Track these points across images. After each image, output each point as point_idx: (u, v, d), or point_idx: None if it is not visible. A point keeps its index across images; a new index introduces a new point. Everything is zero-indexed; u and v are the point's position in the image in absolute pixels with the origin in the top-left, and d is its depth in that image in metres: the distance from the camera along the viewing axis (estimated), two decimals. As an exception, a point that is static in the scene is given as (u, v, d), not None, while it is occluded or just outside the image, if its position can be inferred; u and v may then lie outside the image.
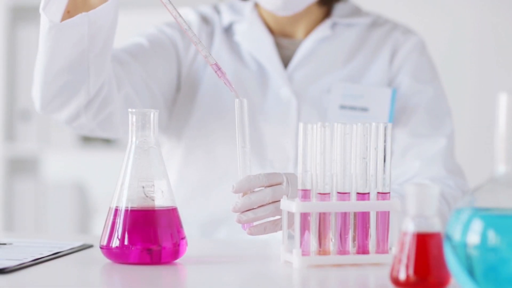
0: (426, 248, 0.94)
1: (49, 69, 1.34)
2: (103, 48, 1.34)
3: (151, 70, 1.53)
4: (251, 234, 1.17)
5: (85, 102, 1.40)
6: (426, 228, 0.95)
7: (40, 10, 1.29)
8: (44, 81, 1.35)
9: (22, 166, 2.82)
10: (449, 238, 0.89)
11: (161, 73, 1.55)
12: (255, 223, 1.17)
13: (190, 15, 1.62)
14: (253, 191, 1.16)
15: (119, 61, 1.48)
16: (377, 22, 1.61)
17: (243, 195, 1.16)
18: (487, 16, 2.63)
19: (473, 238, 0.87)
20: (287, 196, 1.15)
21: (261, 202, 1.16)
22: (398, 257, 0.95)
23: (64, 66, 1.34)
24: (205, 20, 1.62)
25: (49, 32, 1.30)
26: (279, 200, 1.16)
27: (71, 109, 1.41)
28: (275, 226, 1.18)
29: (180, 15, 1.21)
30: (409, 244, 0.95)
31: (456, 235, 0.88)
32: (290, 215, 1.14)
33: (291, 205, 1.11)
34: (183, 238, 1.14)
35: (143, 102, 1.50)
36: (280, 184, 1.17)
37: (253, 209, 1.16)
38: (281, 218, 1.17)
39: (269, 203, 1.16)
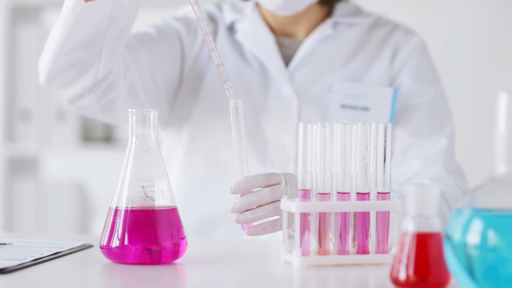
0: (426, 248, 0.94)
1: (63, 44, 1.34)
2: (120, 33, 1.35)
3: (157, 61, 1.54)
4: (250, 234, 1.16)
5: (91, 84, 1.40)
6: (426, 228, 0.95)
7: None
8: (55, 55, 1.36)
9: (22, 166, 2.82)
10: (449, 238, 0.89)
11: (165, 65, 1.55)
12: (254, 224, 1.17)
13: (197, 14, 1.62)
14: (252, 192, 1.16)
15: (128, 46, 1.48)
16: (378, 22, 1.62)
17: (241, 196, 1.16)
18: (485, 16, 2.62)
19: (473, 238, 0.87)
20: (285, 196, 1.15)
21: (259, 202, 1.16)
22: (398, 257, 0.95)
23: (79, 44, 1.35)
24: (210, 18, 1.62)
25: (72, 9, 1.30)
26: (278, 200, 1.16)
27: (75, 89, 1.41)
28: (274, 226, 1.18)
29: (204, 17, 1.21)
30: (409, 244, 0.95)
31: (456, 235, 0.88)
32: (290, 215, 1.14)
33: (291, 205, 1.11)
34: (183, 238, 1.14)
35: (146, 92, 1.51)
36: (278, 184, 1.17)
37: (251, 209, 1.16)
38: (280, 218, 1.17)
39: (268, 203, 1.16)
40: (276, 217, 1.17)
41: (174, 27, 1.59)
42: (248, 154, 1.19)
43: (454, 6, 2.64)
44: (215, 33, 1.61)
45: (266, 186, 1.17)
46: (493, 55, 2.63)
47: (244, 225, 1.17)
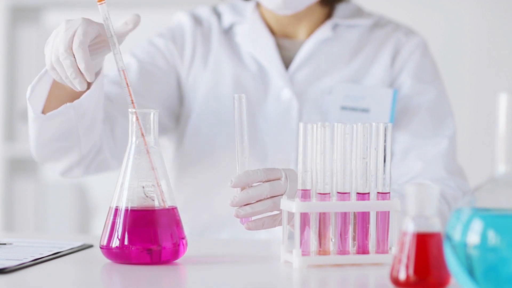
0: (426, 248, 0.94)
1: (38, 139, 1.37)
2: (92, 121, 1.37)
3: (146, 94, 1.52)
4: (249, 229, 1.17)
5: (78, 159, 1.43)
6: (426, 228, 0.94)
7: (27, 99, 1.32)
8: (35, 146, 1.39)
9: (22, 166, 2.82)
10: (449, 238, 0.89)
11: (158, 91, 1.54)
12: (253, 218, 1.17)
13: (182, 18, 1.61)
14: (251, 186, 1.16)
15: (109, 98, 1.48)
16: (379, 23, 1.61)
17: (241, 190, 1.16)
18: (485, 16, 2.62)
19: (473, 238, 0.86)
20: (285, 191, 1.15)
21: (259, 196, 1.16)
22: (398, 257, 0.95)
23: (53, 138, 1.37)
24: (199, 22, 1.61)
25: (34, 120, 1.34)
26: (278, 195, 1.16)
27: (64, 164, 1.44)
28: (273, 221, 1.18)
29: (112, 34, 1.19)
30: (409, 244, 0.95)
31: (456, 235, 0.88)
32: (290, 214, 1.14)
33: (291, 205, 1.10)
34: (183, 238, 1.14)
35: None
36: (278, 179, 1.17)
37: (251, 204, 1.16)
38: (280, 213, 1.17)
39: (267, 198, 1.16)
40: (276, 212, 1.17)
41: (160, 46, 1.57)
42: (249, 150, 1.19)
43: (453, 5, 2.64)
44: (207, 37, 1.59)
45: (266, 181, 1.17)
46: (492, 54, 2.62)
47: (243, 219, 1.17)
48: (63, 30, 1.21)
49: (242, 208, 1.16)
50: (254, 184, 1.16)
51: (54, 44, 1.21)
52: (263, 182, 1.17)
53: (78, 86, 1.20)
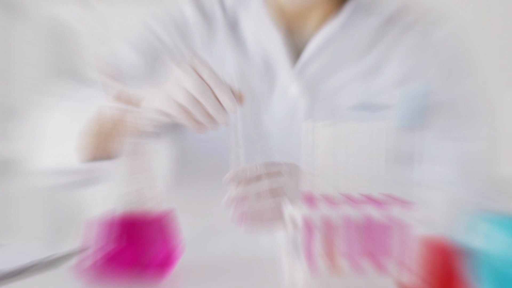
0: (440, 256, 0.91)
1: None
2: None
3: None
4: (247, 228, 1.11)
5: (89, 179, 1.41)
6: (440, 235, 0.92)
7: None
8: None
9: (13, 167, 2.82)
10: (464, 245, 0.86)
11: None
12: (251, 215, 1.11)
13: (187, 10, 1.56)
14: (249, 180, 1.11)
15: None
16: (398, 13, 1.51)
17: (237, 185, 1.11)
18: (486, 16, 2.59)
19: (488, 243, 0.84)
20: (286, 186, 1.11)
21: (256, 191, 1.10)
22: (409, 266, 0.92)
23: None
24: (204, 15, 1.56)
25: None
26: (277, 189, 1.10)
27: (70, 181, 1.43)
28: (273, 215, 1.12)
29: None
30: (422, 252, 0.92)
31: (472, 242, 0.86)
32: (294, 221, 1.07)
33: (295, 212, 1.03)
34: (178, 244, 1.08)
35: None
36: (278, 173, 1.11)
37: (249, 199, 1.11)
38: (280, 211, 1.11)
39: (266, 193, 1.10)
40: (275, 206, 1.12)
41: (168, 44, 1.53)
42: (243, 141, 1.14)
43: (455, 6, 2.62)
44: (213, 32, 1.54)
45: (265, 175, 1.11)
46: (494, 53, 2.59)
47: (240, 220, 1.11)
48: (180, 74, 1.12)
49: (239, 204, 1.10)
50: (252, 178, 1.10)
51: (176, 88, 1.12)
52: (262, 176, 1.11)
53: (222, 121, 1.11)
